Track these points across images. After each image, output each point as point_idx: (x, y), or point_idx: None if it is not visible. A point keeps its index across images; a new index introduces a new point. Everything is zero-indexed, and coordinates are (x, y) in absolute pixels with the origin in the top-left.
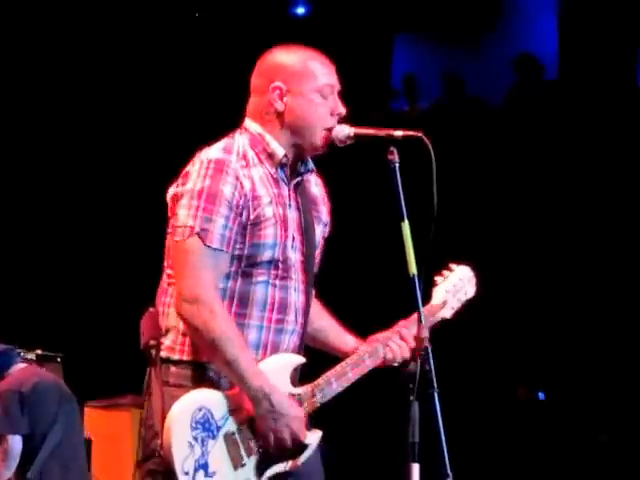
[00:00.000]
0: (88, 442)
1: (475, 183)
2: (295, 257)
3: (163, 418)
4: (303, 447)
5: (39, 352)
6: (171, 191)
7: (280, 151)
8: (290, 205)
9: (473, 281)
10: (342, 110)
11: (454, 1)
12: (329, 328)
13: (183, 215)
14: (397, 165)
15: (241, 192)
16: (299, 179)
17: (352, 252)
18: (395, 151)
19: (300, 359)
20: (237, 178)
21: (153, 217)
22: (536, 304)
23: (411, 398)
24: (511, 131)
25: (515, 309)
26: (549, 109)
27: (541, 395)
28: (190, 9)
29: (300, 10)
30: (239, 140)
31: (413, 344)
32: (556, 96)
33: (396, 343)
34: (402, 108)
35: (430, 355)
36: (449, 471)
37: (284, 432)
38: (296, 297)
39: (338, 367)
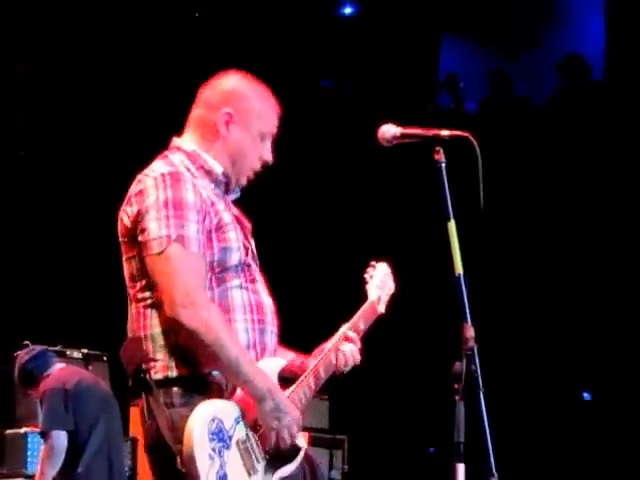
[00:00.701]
0: (134, 441)
1: (521, 183)
2: (253, 263)
3: (175, 439)
4: (298, 450)
5: (85, 351)
6: (130, 211)
7: (218, 168)
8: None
9: (391, 276)
10: (269, 158)
11: (501, 1)
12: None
13: (155, 227)
14: (444, 165)
15: (201, 199)
16: (233, 197)
17: (396, 253)
18: (442, 151)
19: (284, 362)
20: (194, 186)
21: None
22: (585, 305)
23: (457, 398)
24: (557, 132)
25: (560, 309)
26: (595, 110)
27: (586, 395)
28: (231, 7)
29: (347, 10)
30: (175, 158)
31: (359, 345)
32: (602, 97)
33: (345, 348)
34: (449, 106)
35: (476, 355)
36: (494, 471)
37: (285, 432)
38: (266, 299)
39: (303, 378)
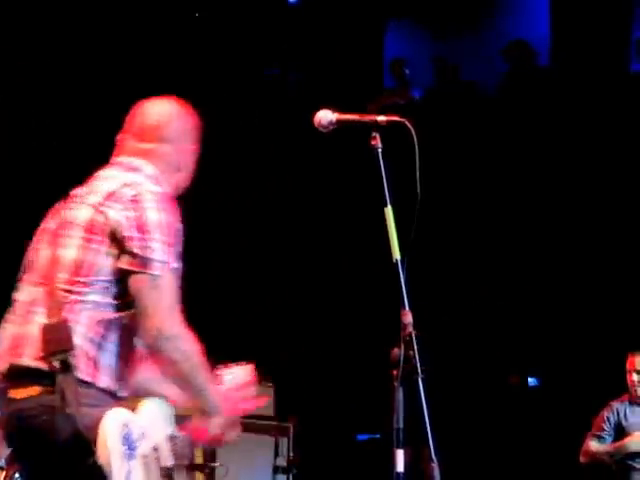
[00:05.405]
0: None
1: (467, 168)
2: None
3: (93, 435)
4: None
5: None
6: (126, 214)
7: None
8: None
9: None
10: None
11: None
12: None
13: (159, 249)
14: (380, 150)
15: None
16: None
17: (334, 238)
18: (378, 136)
19: None
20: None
21: None
22: (528, 291)
23: (395, 384)
24: (504, 117)
25: (507, 297)
26: (541, 95)
27: (533, 381)
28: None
29: None
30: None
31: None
32: (548, 82)
33: None
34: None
35: (414, 341)
36: (433, 456)
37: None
38: None
39: None
